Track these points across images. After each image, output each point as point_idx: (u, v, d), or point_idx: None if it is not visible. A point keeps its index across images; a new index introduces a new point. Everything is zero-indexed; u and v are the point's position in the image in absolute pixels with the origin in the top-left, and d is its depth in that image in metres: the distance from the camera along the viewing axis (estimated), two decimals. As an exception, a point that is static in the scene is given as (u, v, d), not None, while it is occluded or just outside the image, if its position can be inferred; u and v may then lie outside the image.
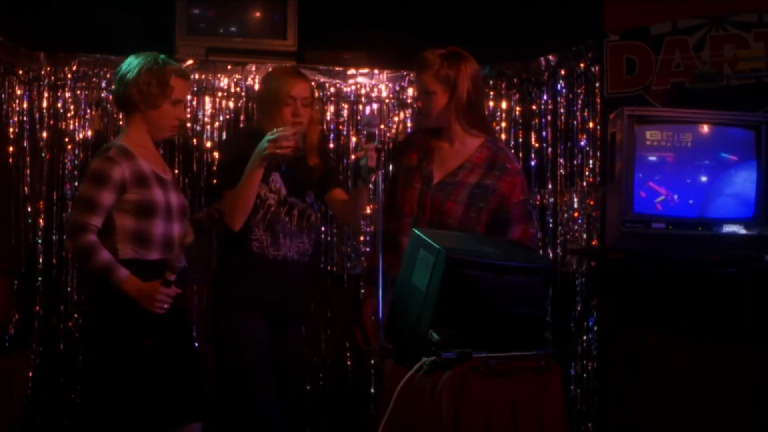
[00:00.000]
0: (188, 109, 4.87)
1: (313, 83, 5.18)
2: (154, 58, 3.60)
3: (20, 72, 5.01)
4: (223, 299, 3.83)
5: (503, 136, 5.32)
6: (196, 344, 3.77)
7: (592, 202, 5.09)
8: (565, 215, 5.19)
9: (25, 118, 5.03)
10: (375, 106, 5.36)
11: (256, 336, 3.78)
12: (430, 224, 3.63)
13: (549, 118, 5.27)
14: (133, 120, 3.61)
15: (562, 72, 5.23)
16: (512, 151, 5.24)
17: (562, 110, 5.23)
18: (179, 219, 3.58)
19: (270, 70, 4.35)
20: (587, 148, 5.14)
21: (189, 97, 3.68)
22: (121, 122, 5.11)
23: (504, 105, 5.36)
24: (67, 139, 5.06)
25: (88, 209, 3.44)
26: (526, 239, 3.69)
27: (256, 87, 5.17)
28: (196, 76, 5.05)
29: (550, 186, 5.25)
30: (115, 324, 3.42)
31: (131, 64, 3.58)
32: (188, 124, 5.06)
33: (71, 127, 5.08)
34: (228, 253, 3.89)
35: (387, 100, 5.36)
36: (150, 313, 3.41)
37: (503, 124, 5.35)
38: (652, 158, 4.26)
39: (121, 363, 3.39)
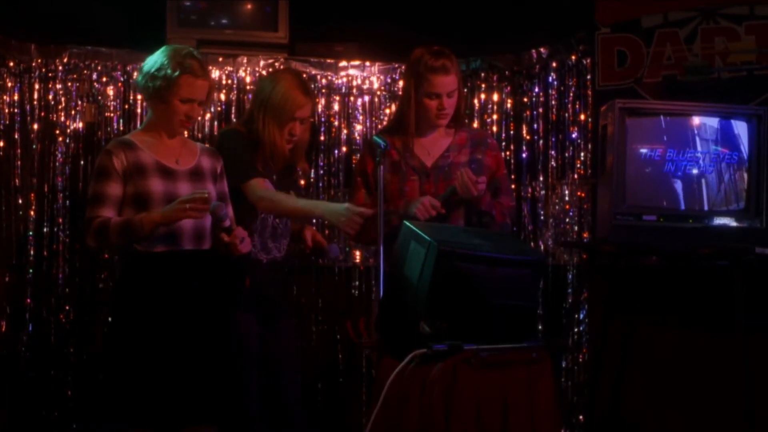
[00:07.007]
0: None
1: (304, 75, 5.19)
2: (174, 51, 3.46)
3: (11, 64, 5.00)
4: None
5: (495, 129, 5.32)
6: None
7: (583, 195, 5.10)
8: (557, 207, 5.19)
9: (16, 110, 5.01)
10: (366, 98, 5.35)
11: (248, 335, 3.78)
12: None
13: (540, 110, 5.27)
14: (149, 112, 3.56)
15: (554, 64, 5.23)
16: (503, 143, 5.28)
17: (553, 103, 5.24)
18: None
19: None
20: (579, 141, 5.14)
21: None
22: (109, 114, 5.12)
23: (495, 97, 5.36)
24: (58, 131, 5.05)
25: (95, 203, 3.38)
26: (510, 210, 3.91)
27: (248, 79, 5.16)
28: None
29: (541, 178, 5.25)
30: (136, 316, 3.36)
31: (154, 55, 3.47)
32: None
33: (62, 118, 5.07)
34: None
35: (378, 92, 5.35)
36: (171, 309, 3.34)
37: (495, 117, 5.35)
38: (643, 150, 4.26)
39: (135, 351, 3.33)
